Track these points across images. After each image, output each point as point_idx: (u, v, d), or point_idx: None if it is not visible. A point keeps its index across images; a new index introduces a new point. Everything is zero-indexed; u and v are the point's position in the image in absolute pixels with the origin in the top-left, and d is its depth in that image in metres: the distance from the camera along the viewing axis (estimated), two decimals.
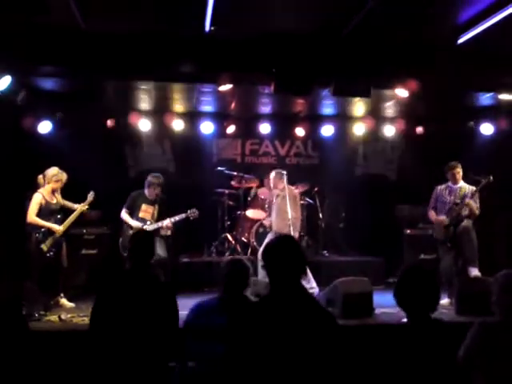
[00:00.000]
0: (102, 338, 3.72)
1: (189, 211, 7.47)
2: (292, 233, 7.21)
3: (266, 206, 8.90)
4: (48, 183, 6.95)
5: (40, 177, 6.99)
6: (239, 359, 2.75)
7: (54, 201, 6.99)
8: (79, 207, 7.13)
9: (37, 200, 6.81)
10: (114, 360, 3.63)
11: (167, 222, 7.33)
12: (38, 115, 8.57)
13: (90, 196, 7.24)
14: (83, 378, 4.20)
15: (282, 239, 3.07)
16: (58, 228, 6.89)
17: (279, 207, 7.71)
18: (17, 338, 2.90)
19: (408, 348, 2.84)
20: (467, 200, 7.10)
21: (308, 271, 7.35)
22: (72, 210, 7.12)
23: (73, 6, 5.25)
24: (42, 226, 6.79)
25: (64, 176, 7.03)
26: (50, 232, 6.83)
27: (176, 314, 3.91)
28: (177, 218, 7.40)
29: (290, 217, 7.34)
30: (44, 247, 6.78)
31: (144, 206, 7.43)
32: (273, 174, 7.95)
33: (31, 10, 5.18)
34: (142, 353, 3.62)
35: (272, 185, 8.01)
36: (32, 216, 6.77)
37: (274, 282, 2.86)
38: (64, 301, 7.00)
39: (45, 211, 6.86)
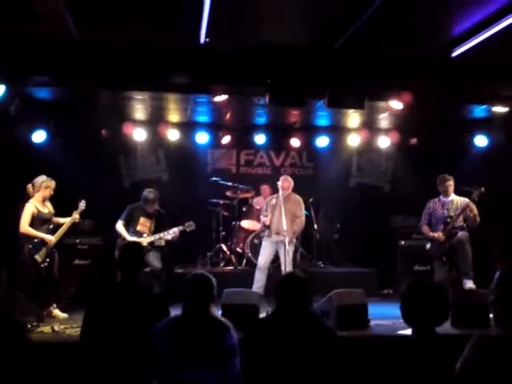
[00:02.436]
0: (94, 351, 3.66)
1: (186, 223, 7.51)
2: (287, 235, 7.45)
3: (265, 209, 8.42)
4: (37, 191, 6.89)
5: (29, 186, 6.92)
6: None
7: (46, 210, 6.94)
8: (71, 217, 7.09)
9: (29, 210, 6.76)
10: (105, 373, 3.57)
11: (175, 230, 7.41)
12: (32, 125, 8.54)
13: (82, 205, 7.18)
14: None
15: (291, 277, 3.87)
16: (51, 238, 6.84)
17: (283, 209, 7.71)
18: (15, 348, 2.87)
19: (412, 363, 2.80)
20: (470, 204, 7.03)
21: None
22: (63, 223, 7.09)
23: (67, 16, 5.23)
24: (34, 237, 6.75)
25: (53, 183, 6.99)
26: (42, 242, 6.79)
27: None
28: (175, 229, 7.44)
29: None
30: (38, 258, 6.73)
31: (142, 220, 7.47)
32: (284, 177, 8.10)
33: (22, 19, 5.16)
34: (134, 366, 3.55)
35: (284, 187, 7.95)
36: (25, 226, 6.72)
37: (282, 307, 3.53)
38: (57, 311, 6.93)
39: (37, 221, 6.81)
